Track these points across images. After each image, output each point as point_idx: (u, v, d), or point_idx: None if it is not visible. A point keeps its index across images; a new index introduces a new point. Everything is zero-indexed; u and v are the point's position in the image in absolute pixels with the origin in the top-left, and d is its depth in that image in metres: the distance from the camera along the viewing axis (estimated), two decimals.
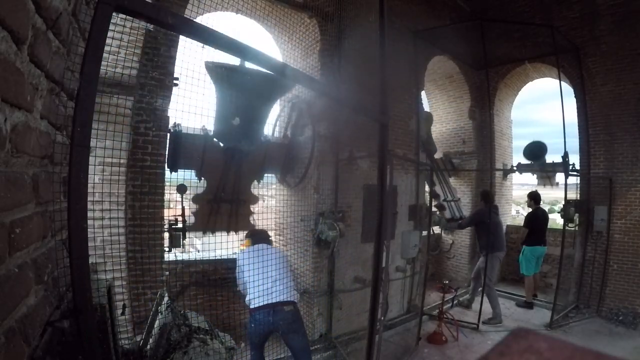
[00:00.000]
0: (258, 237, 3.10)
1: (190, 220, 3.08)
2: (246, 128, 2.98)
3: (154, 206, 2.89)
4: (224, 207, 3.28)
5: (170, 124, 2.92)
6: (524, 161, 6.34)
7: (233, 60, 2.69)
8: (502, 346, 0.24)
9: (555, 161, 5.77)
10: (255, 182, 3.54)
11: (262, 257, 2.72)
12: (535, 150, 6.05)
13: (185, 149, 2.96)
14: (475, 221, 5.09)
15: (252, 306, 2.61)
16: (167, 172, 2.94)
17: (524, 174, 6.48)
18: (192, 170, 3.09)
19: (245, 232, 3.31)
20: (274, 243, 3.54)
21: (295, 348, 2.71)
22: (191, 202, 3.14)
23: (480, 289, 4.97)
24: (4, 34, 0.57)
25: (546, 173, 6.06)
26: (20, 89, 0.66)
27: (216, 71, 2.78)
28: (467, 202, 6.53)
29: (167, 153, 2.92)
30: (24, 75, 0.67)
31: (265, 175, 3.70)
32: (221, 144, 3.15)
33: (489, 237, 4.70)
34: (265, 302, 2.57)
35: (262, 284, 2.62)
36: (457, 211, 5.82)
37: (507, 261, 6.74)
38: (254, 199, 3.50)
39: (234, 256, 3.08)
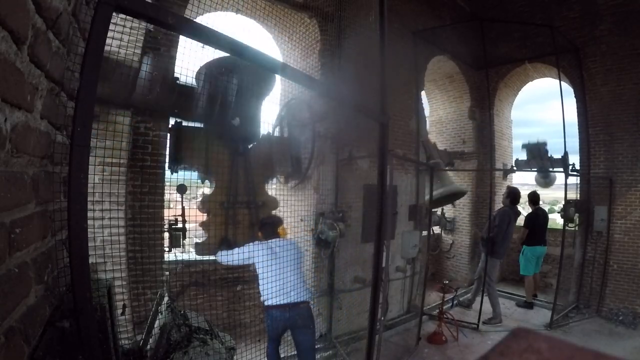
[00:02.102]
0: (270, 228, 2.89)
1: (199, 236, 2.80)
2: (244, 124, 2.82)
3: (154, 206, 2.89)
4: (240, 214, 2.93)
5: (171, 123, 2.80)
6: (523, 158, 6.31)
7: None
8: (502, 346, 0.24)
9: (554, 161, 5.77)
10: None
11: (278, 254, 2.67)
12: (534, 151, 6.05)
13: (187, 144, 2.71)
14: (506, 226, 4.79)
15: (267, 303, 2.63)
16: (168, 172, 2.88)
17: (523, 174, 6.48)
18: (195, 170, 2.82)
19: (259, 221, 3.02)
20: (285, 233, 3.26)
21: (303, 344, 2.73)
22: (199, 209, 2.80)
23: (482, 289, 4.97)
24: (4, 34, 0.57)
25: (544, 174, 6.06)
26: (20, 89, 0.66)
27: (205, 74, 2.66)
28: (467, 202, 6.54)
29: (167, 152, 2.78)
30: (24, 75, 0.67)
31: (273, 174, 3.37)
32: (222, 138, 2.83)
33: (488, 240, 4.68)
34: (283, 302, 2.60)
35: (279, 283, 2.61)
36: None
37: (507, 261, 6.75)
38: (274, 202, 3.17)
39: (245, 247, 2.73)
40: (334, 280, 4.00)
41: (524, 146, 6.15)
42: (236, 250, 2.70)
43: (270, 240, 2.79)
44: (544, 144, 5.98)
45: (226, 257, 2.69)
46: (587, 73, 5.33)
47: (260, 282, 2.63)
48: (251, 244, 2.73)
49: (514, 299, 5.57)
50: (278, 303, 2.59)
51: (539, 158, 5.92)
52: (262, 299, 2.68)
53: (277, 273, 2.63)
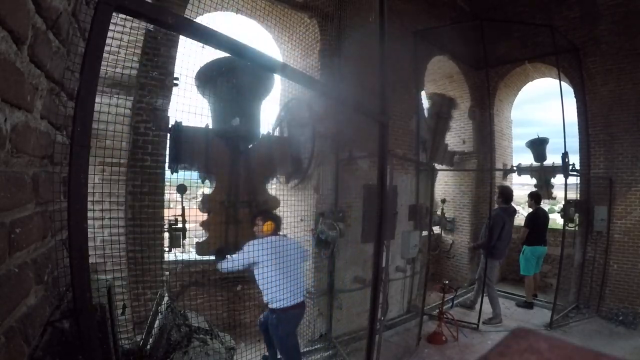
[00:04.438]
0: (277, 226, 2.90)
1: (199, 236, 2.83)
2: (244, 123, 2.84)
3: (154, 206, 2.89)
4: (242, 213, 2.91)
5: (171, 123, 2.75)
6: (524, 161, 6.34)
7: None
8: (502, 346, 0.24)
9: (555, 161, 5.77)
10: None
11: (283, 251, 2.68)
12: (537, 144, 6.08)
13: (187, 145, 2.70)
14: (499, 230, 4.80)
15: (281, 305, 2.62)
16: (168, 172, 2.88)
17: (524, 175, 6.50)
18: (196, 170, 2.83)
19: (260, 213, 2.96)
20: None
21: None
22: (199, 209, 2.80)
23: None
24: (4, 34, 0.57)
25: (544, 175, 6.06)
26: (20, 89, 0.66)
27: (205, 74, 2.72)
28: (467, 202, 6.54)
29: (167, 152, 2.77)
30: (24, 75, 0.67)
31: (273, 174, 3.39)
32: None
33: (489, 242, 4.68)
34: (297, 301, 2.70)
35: (290, 282, 2.65)
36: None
37: (507, 261, 6.75)
38: (275, 201, 3.14)
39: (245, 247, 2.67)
40: (334, 280, 4.00)
41: (528, 143, 6.17)
42: (238, 255, 2.65)
43: (271, 237, 2.74)
44: (546, 140, 6.01)
45: (227, 264, 2.66)
46: (587, 73, 5.33)
47: (263, 282, 2.58)
48: (252, 243, 2.65)
49: (514, 299, 5.56)
50: (294, 302, 2.66)
51: (541, 163, 5.94)
52: (268, 302, 2.66)
53: (285, 272, 2.63)
